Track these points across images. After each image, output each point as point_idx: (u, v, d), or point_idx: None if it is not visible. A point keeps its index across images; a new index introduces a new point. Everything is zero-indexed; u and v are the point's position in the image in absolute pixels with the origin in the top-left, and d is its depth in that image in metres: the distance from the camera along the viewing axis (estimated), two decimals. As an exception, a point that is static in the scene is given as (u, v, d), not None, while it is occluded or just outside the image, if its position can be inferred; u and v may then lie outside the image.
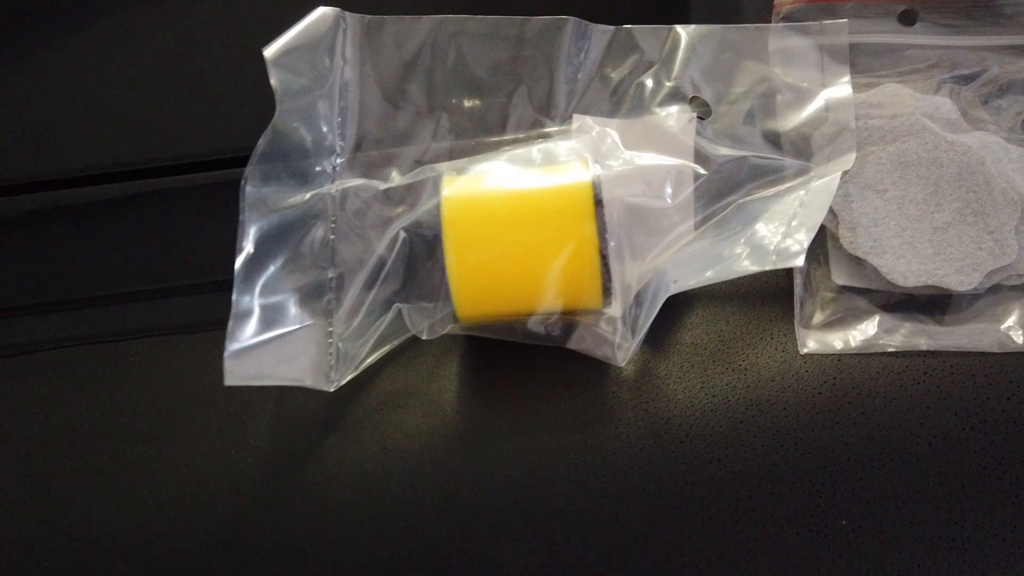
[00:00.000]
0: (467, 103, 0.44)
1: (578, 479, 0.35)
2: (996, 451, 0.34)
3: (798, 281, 0.40)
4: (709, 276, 0.37)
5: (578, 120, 0.44)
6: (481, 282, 0.38)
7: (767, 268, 0.36)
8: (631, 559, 0.33)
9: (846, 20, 0.44)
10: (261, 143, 0.38)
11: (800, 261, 0.36)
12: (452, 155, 0.44)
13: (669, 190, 0.39)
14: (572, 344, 0.39)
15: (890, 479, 0.33)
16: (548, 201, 0.38)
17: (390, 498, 0.35)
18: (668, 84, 0.43)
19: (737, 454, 0.35)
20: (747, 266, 0.36)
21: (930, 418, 0.34)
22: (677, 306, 0.41)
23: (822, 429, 0.35)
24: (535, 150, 0.42)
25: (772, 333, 0.39)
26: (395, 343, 0.39)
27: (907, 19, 0.47)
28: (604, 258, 0.37)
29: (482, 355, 0.40)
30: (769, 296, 0.41)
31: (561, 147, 0.41)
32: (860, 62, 0.46)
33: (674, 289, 0.37)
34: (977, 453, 0.34)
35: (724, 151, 0.41)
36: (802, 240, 0.36)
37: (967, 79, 0.45)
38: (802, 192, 0.39)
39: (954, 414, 0.34)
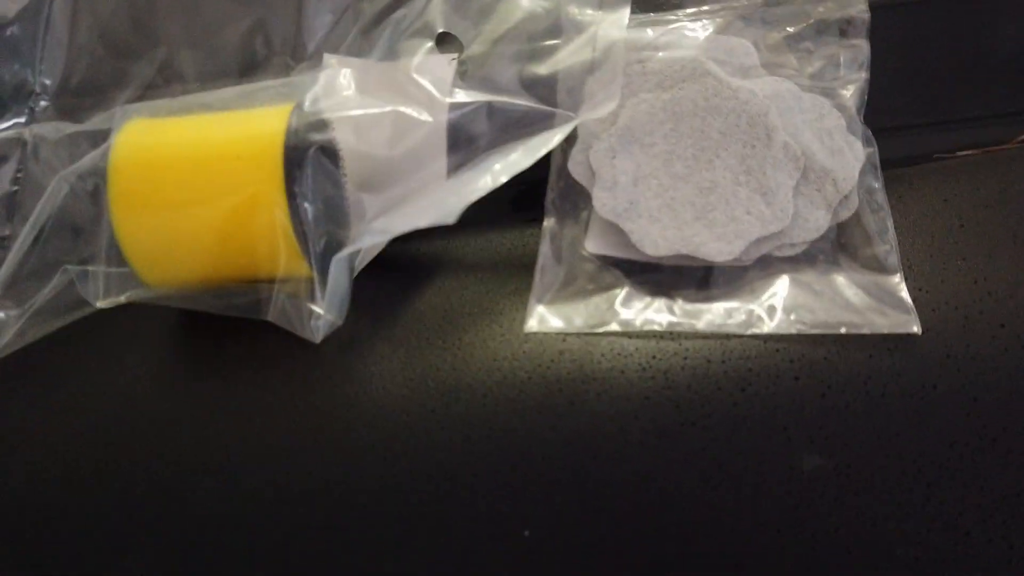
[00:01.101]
0: (197, 41, 0.39)
1: (236, 474, 0.30)
2: (716, 451, 0.28)
3: (544, 248, 0.35)
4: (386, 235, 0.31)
5: (329, 60, 0.38)
6: (155, 241, 0.32)
7: (423, 226, 0.31)
8: (276, 563, 0.28)
9: (627, -49, 0.38)
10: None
11: (449, 220, 0.30)
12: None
13: (387, 139, 0.33)
14: (272, 316, 0.33)
15: (588, 484, 0.28)
16: (231, 150, 0.32)
17: (37, 480, 0.30)
18: (423, 20, 0.38)
19: (421, 449, 0.29)
20: (417, 222, 0.31)
21: (647, 412, 0.29)
22: (420, 270, 0.35)
23: (523, 421, 0.29)
24: (255, 91, 0.36)
25: (507, 307, 0.33)
26: (74, 314, 0.33)
27: (717, -50, 0.41)
28: (297, 216, 0.32)
29: (172, 329, 0.34)
30: (522, 263, 0.35)
31: (286, 90, 0.36)
32: (667, -1, 0.40)
33: (360, 245, 0.32)
34: (692, 453, 0.28)
35: (471, 95, 0.36)
36: (460, 201, 0.30)
37: (779, 19, 0.39)
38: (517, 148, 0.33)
39: (675, 407, 0.29)
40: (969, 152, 0.38)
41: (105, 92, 0.37)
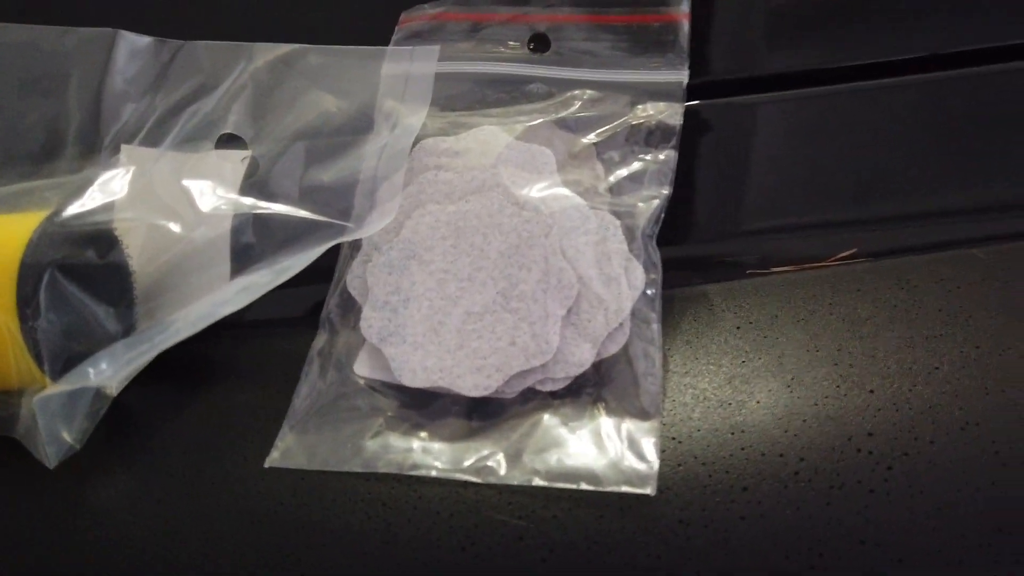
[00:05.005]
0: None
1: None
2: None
3: (309, 368, 0.33)
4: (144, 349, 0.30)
5: (124, 151, 0.37)
6: None
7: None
8: None
9: (437, 47, 0.37)
10: None
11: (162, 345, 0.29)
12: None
13: (139, 252, 0.32)
14: (18, 435, 0.32)
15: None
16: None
17: None
18: (214, 116, 0.36)
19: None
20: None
21: (361, 570, 0.27)
22: (196, 378, 0.34)
23: (237, 569, 0.28)
24: (33, 189, 0.35)
25: (264, 429, 0.32)
26: None
27: (539, 44, 0.39)
28: (32, 337, 0.30)
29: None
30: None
31: (52, 194, 0.34)
32: (486, 95, 0.39)
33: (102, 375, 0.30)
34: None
35: (249, 203, 0.34)
36: (186, 326, 0.29)
37: (589, 124, 0.37)
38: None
39: (395, 565, 0.27)
40: (784, 269, 0.36)
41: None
